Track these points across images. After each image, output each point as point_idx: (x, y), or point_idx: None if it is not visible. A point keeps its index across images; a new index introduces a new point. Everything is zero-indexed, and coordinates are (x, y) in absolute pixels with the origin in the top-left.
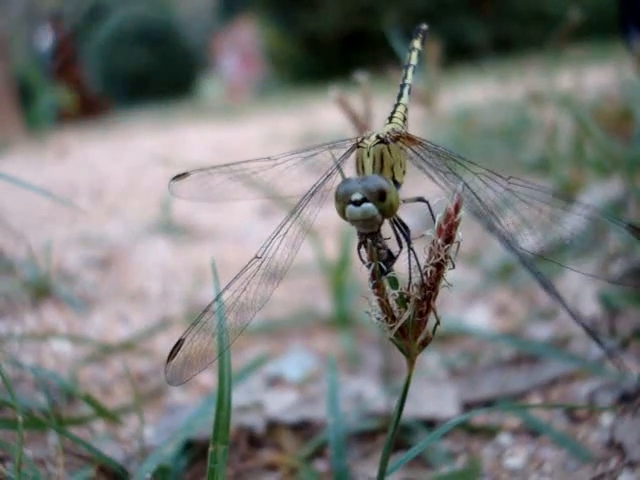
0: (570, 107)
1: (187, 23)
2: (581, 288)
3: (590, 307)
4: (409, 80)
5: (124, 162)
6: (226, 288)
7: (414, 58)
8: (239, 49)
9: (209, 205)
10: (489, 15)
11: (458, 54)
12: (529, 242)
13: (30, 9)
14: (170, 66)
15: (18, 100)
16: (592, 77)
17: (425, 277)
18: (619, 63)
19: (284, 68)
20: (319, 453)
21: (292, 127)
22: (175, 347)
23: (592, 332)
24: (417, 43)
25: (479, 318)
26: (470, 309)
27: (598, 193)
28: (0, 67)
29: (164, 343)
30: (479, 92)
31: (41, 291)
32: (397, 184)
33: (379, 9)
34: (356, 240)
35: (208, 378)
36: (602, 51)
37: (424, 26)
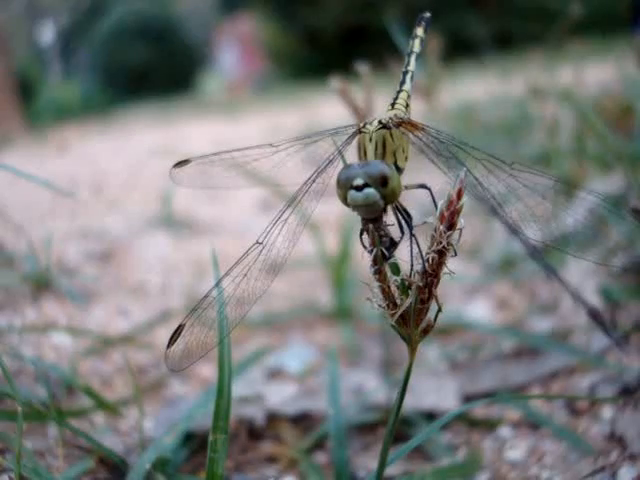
0: (571, 102)
1: (187, 18)
2: (582, 281)
3: (591, 300)
4: (412, 67)
5: (124, 157)
6: (227, 274)
7: (417, 45)
8: (240, 44)
9: (209, 199)
10: (490, 10)
11: (459, 49)
12: (532, 229)
13: (31, 5)
14: (170, 62)
15: (19, 95)
16: (593, 72)
17: (427, 264)
18: (620, 58)
19: (284, 63)
20: (319, 445)
21: (292, 122)
22: (175, 333)
23: (597, 317)
24: (420, 31)
25: (480, 311)
26: (471, 302)
27: (599, 187)
28: (1, 63)
29: (164, 336)
30: (480, 87)
31: (41, 284)
32: (399, 170)
33: (380, 4)
34: (358, 229)
35: (208, 370)
36: (603, 46)
37: (427, 14)
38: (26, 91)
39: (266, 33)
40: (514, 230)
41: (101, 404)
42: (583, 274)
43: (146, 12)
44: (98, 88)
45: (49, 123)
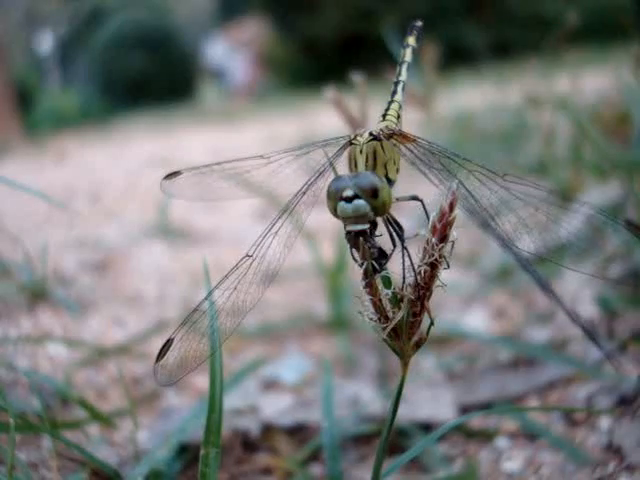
0: (568, 110)
1: (185, 27)
2: (579, 291)
3: (588, 310)
4: (403, 77)
5: (122, 166)
6: (216, 287)
7: (408, 55)
8: (245, 51)
9: (206, 208)
10: (487, 19)
11: (456, 58)
12: (526, 241)
13: (29, 13)
14: (169, 70)
15: (17, 104)
16: (590, 80)
17: (419, 277)
18: (617, 66)
19: (282, 72)
20: (314, 457)
21: (290, 131)
22: (164, 347)
23: (590, 332)
24: (411, 40)
25: (477, 321)
26: (468, 312)
27: (596, 196)
28: None
29: (160, 346)
30: (477, 96)
31: (37, 294)
32: (390, 182)
33: (378, 13)
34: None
35: (203, 381)
36: (600, 54)
37: (418, 23)
38: (24, 100)
39: (265, 41)
40: (507, 244)
41: (95, 415)
42: (580, 283)
43: (145, 21)
44: (97, 97)
45: (47, 132)
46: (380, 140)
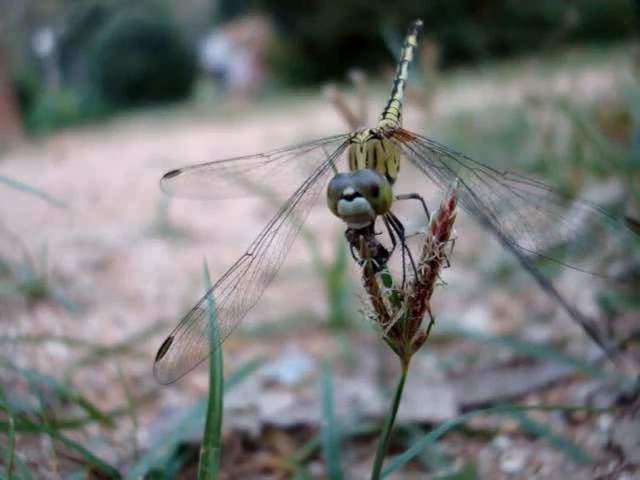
0: (568, 110)
1: (185, 27)
2: (579, 290)
3: (588, 309)
4: (403, 76)
5: (122, 166)
6: (216, 285)
7: (409, 54)
8: (243, 53)
9: (206, 208)
10: (487, 19)
11: (456, 57)
12: (526, 240)
13: (29, 13)
14: (168, 70)
15: (17, 104)
16: (590, 80)
17: (419, 275)
18: (617, 66)
19: (282, 72)
20: (314, 456)
21: (290, 130)
22: (164, 345)
23: (592, 330)
24: (412, 39)
25: (477, 320)
26: (468, 311)
27: (596, 196)
28: None
29: (160, 346)
30: (477, 95)
31: (37, 294)
32: (390, 180)
33: (378, 14)
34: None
35: (203, 380)
36: (600, 54)
37: (419, 22)
38: (24, 100)
39: (265, 41)
40: (507, 242)
41: (95, 415)
42: (580, 282)
43: (144, 21)
44: (96, 97)
45: (47, 132)
46: (380, 138)
